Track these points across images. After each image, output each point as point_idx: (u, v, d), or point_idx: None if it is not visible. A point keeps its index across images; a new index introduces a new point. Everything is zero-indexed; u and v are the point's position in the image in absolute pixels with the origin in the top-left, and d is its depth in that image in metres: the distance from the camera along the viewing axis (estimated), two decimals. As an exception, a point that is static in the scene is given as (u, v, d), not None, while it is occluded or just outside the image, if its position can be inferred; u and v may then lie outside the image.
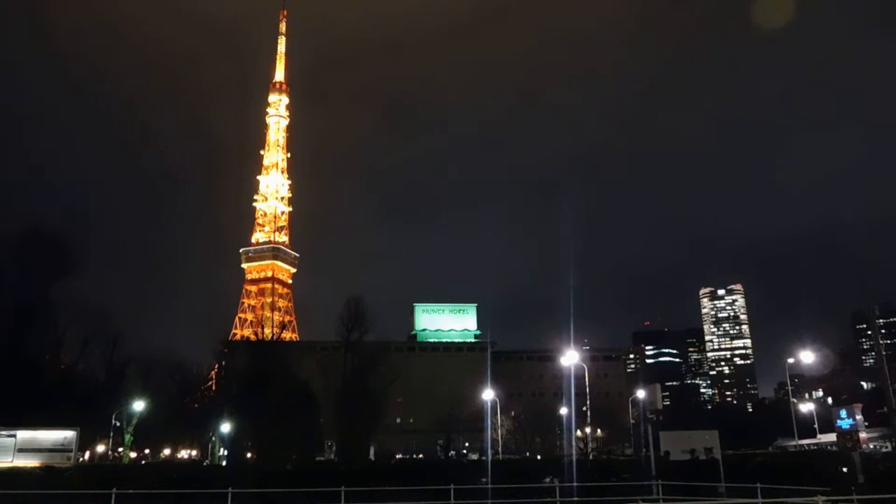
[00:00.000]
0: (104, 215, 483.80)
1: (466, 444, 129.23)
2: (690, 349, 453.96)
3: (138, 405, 75.24)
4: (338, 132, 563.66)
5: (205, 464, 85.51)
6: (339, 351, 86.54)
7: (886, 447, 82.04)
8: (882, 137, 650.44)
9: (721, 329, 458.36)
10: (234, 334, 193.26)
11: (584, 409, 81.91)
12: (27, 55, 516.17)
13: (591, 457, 75.05)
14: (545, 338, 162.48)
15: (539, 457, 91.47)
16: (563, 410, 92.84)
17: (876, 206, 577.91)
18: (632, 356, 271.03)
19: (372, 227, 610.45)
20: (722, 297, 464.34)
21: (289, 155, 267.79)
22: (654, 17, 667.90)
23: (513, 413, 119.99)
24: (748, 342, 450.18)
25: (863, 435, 77.22)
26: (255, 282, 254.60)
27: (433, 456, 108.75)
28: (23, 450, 43.76)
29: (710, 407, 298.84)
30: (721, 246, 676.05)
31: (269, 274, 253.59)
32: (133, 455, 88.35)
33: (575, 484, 35.50)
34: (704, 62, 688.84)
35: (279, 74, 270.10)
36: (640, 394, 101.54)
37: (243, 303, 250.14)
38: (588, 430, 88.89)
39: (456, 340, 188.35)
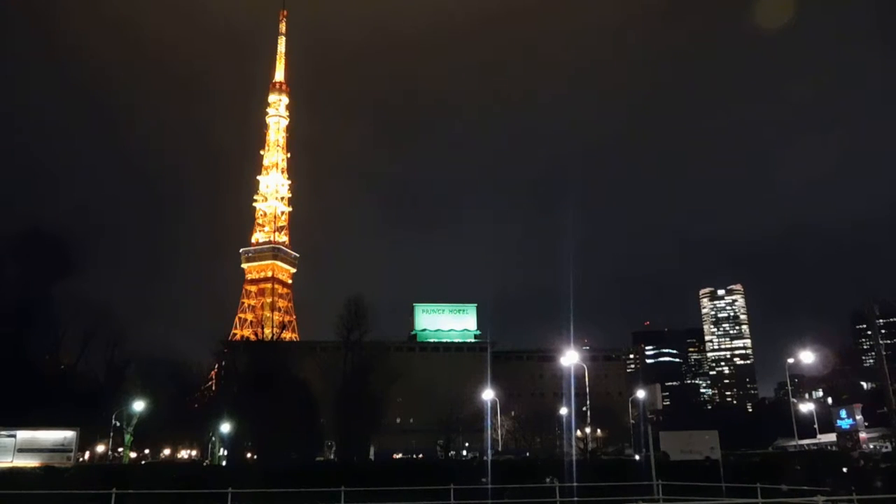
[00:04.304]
0: (104, 215, 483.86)
1: (466, 444, 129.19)
2: (690, 349, 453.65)
3: (138, 405, 75.24)
4: (338, 132, 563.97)
5: (205, 464, 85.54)
6: (339, 351, 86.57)
7: (886, 447, 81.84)
8: (882, 137, 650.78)
9: (721, 329, 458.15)
10: (234, 334, 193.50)
11: (584, 409, 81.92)
12: (28, 55, 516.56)
13: (590, 457, 75.05)
14: (545, 338, 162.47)
15: (539, 457, 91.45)
16: (563, 410, 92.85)
17: (876, 206, 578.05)
18: (632, 356, 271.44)
19: (372, 227, 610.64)
20: (722, 297, 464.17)
21: (289, 155, 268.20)
22: (655, 19, 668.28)
23: (513, 413, 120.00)
24: (748, 342, 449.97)
25: (863, 435, 77.20)
26: (255, 282, 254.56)
27: (433, 456, 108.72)
28: (23, 450, 43.74)
29: (710, 407, 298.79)
30: (721, 246, 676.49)
31: (269, 274, 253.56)
32: (133, 455, 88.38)
33: (575, 484, 35.49)
34: (704, 63, 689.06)
35: (279, 74, 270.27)
36: (640, 394, 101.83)
37: (243, 303, 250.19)
38: (588, 430, 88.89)
39: (456, 340, 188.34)
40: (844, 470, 41.96)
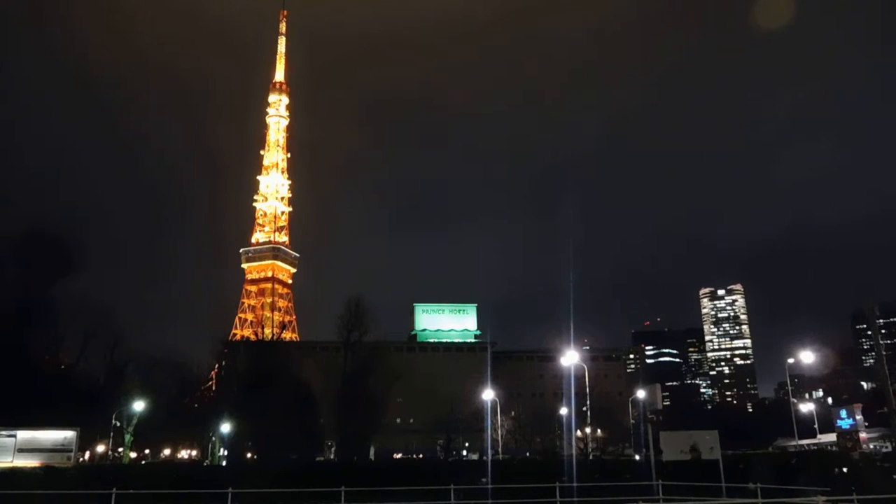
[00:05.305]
0: (104, 215, 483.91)
1: (466, 444, 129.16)
2: (690, 349, 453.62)
3: (138, 405, 75.19)
4: (338, 131, 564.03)
5: (205, 464, 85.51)
6: (339, 351, 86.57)
7: (886, 447, 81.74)
8: (882, 137, 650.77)
9: (721, 329, 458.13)
10: (234, 334, 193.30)
11: (584, 409, 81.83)
12: (28, 55, 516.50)
13: (590, 457, 75.02)
14: (545, 338, 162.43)
15: (538, 457, 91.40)
16: (563, 410, 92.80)
17: (876, 206, 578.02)
18: (632, 356, 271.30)
19: (372, 227, 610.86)
20: (722, 297, 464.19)
21: (289, 155, 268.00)
22: (655, 20, 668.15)
23: (513, 413, 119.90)
24: (748, 342, 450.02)
25: (863, 435, 77.08)
26: (255, 282, 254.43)
27: (433, 456, 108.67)
28: (23, 450, 43.68)
29: (710, 407, 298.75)
30: (721, 246, 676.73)
31: (269, 274, 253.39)
32: (133, 455, 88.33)
33: (575, 484, 35.46)
34: (703, 63, 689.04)
35: (279, 74, 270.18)
36: (640, 394, 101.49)
37: (243, 303, 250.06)
38: (588, 430, 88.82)
39: (456, 340, 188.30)
40: (844, 470, 41.94)
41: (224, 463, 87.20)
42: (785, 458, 57.78)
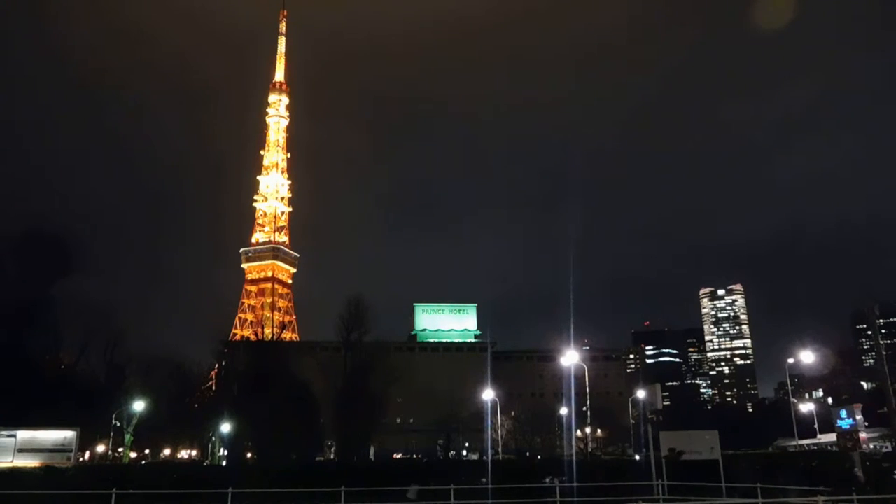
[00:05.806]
0: (104, 215, 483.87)
1: (466, 444, 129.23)
2: (690, 349, 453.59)
3: (138, 405, 75.26)
4: (338, 131, 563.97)
5: (205, 464, 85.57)
6: (339, 351, 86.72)
7: (886, 447, 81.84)
8: (882, 137, 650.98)
9: (721, 329, 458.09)
10: (234, 334, 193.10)
11: (584, 409, 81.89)
12: (28, 55, 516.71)
13: (589, 457, 74.98)
14: (545, 338, 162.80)
15: (539, 456, 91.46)
16: (563, 410, 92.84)
17: (876, 206, 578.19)
18: (632, 356, 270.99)
19: (372, 227, 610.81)
20: (722, 297, 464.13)
21: (289, 155, 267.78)
22: (654, 20, 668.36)
23: (513, 413, 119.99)
24: (748, 342, 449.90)
25: (863, 435, 77.18)
26: (255, 282, 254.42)
27: (433, 456, 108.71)
28: (23, 450, 43.70)
29: (710, 407, 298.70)
30: (721, 246, 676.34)
31: (269, 274, 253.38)
32: (133, 455, 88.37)
33: (575, 484, 35.49)
34: (704, 64, 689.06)
35: (279, 74, 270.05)
36: (640, 394, 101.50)
37: (243, 303, 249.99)
38: (588, 430, 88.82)
39: (456, 340, 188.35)
40: (855, 471, 41.91)
41: (224, 463, 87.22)
42: (784, 458, 57.80)
